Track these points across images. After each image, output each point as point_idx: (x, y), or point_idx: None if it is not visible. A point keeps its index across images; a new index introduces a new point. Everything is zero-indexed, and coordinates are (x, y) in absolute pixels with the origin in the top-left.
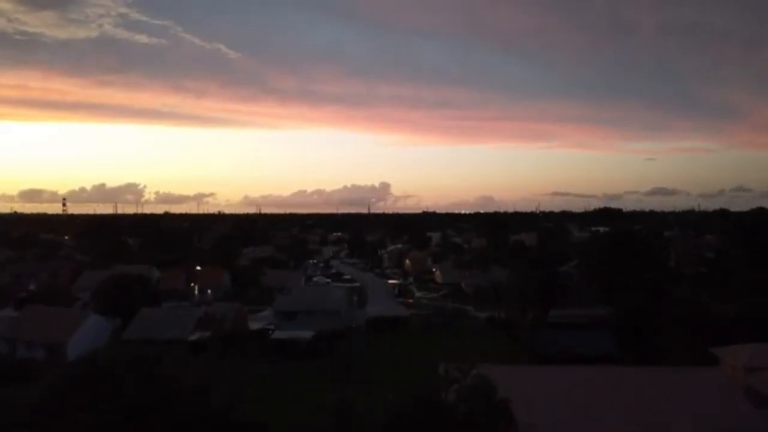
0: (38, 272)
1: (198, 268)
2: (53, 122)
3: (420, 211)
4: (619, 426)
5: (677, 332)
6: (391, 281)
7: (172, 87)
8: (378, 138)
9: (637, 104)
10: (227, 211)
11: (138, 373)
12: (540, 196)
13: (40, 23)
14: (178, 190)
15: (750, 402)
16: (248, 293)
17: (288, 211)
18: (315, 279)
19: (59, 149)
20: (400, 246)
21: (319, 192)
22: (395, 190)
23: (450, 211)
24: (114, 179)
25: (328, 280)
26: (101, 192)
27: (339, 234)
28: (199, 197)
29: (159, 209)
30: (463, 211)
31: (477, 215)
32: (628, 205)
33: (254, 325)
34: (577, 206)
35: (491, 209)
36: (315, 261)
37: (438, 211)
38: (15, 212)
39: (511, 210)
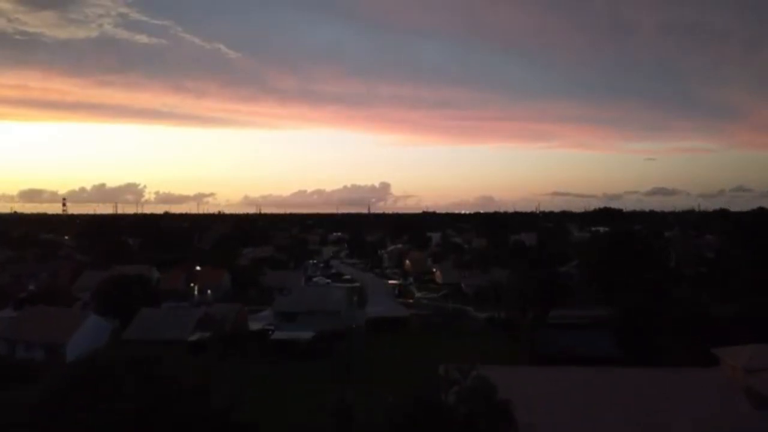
0: (38, 272)
1: (198, 268)
2: (53, 122)
3: (420, 211)
4: (620, 427)
5: (677, 333)
6: (391, 281)
7: (172, 87)
8: (378, 138)
9: (637, 104)
10: (227, 211)
11: (138, 374)
12: (540, 196)
13: (40, 23)
14: (178, 190)
15: (750, 403)
16: (248, 293)
17: (288, 211)
18: (315, 279)
19: (59, 149)
20: (400, 246)
21: (319, 192)
22: (395, 190)
23: (450, 211)
24: (114, 179)
25: (328, 280)
26: (101, 192)
27: (339, 234)
28: (199, 197)
29: (159, 209)
30: (463, 211)
31: (477, 215)
32: (628, 205)
33: (254, 326)
34: (577, 206)
35: (491, 209)
36: (315, 261)
37: (438, 211)
38: (15, 212)
39: (511, 210)
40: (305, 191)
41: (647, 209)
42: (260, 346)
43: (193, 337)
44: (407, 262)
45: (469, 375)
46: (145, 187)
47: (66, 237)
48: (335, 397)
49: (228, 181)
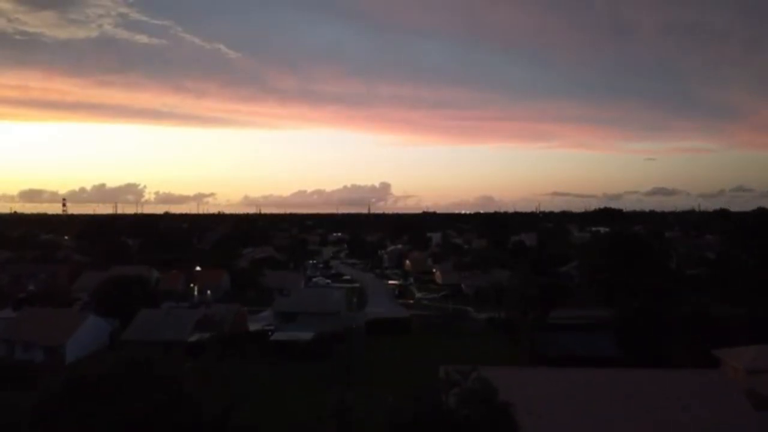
0: (37, 273)
1: (197, 268)
2: (53, 122)
3: (420, 211)
4: (620, 428)
5: (678, 334)
6: (391, 282)
7: (172, 87)
8: (378, 138)
9: (637, 104)
10: (227, 211)
11: (136, 377)
12: (540, 196)
13: (40, 23)
14: (178, 190)
15: (752, 404)
16: (248, 294)
17: (288, 211)
18: (315, 280)
19: (59, 149)
20: (400, 246)
21: (319, 192)
22: (395, 190)
23: (450, 211)
24: (114, 179)
25: (328, 280)
26: (101, 192)
27: (339, 234)
28: (199, 197)
29: (159, 209)
30: (463, 211)
31: (477, 215)
32: (628, 205)
33: (254, 326)
34: (577, 206)
35: (491, 209)
36: (315, 261)
37: (438, 211)
38: (15, 212)
39: (511, 210)
40: (305, 191)
41: (647, 209)
42: (260, 347)
43: (193, 338)
44: (407, 262)
45: (470, 377)
46: (145, 187)
47: (66, 237)
48: (335, 398)
49: (228, 181)
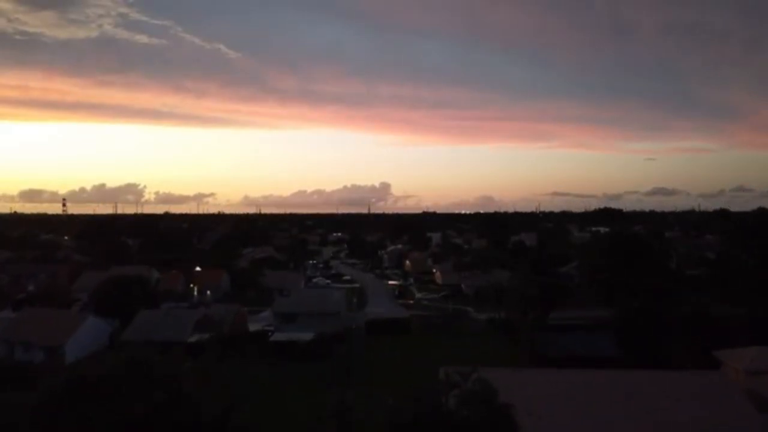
0: (37, 273)
1: (197, 269)
2: (53, 122)
3: (420, 211)
4: (621, 429)
5: (679, 334)
6: (391, 282)
7: (172, 87)
8: (378, 138)
9: (637, 104)
10: (227, 211)
11: (136, 378)
12: (540, 196)
13: (40, 23)
14: (178, 190)
15: (752, 405)
16: (248, 294)
17: (288, 211)
18: (315, 280)
19: (59, 149)
20: (400, 246)
21: (319, 192)
22: (395, 190)
23: (450, 211)
24: (114, 179)
25: (328, 281)
26: (101, 192)
27: (339, 234)
28: (199, 197)
29: (159, 209)
30: (463, 211)
31: (477, 215)
32: (628, 205)
33: (254, 327)
34: (577, 206)
35: (491, 209)
36: (315, 261)
37: (438, 212)
38: (15, 212)
39: (511, 210)
40: (305, 191)
41: (647, 209)
42: (259, 348)
43: (192, 339)
44: (407, 262)
45: (470, 378)
46: (145, 187)
47: (66, 237)
48: (335, 398)
49: (228, 181)
